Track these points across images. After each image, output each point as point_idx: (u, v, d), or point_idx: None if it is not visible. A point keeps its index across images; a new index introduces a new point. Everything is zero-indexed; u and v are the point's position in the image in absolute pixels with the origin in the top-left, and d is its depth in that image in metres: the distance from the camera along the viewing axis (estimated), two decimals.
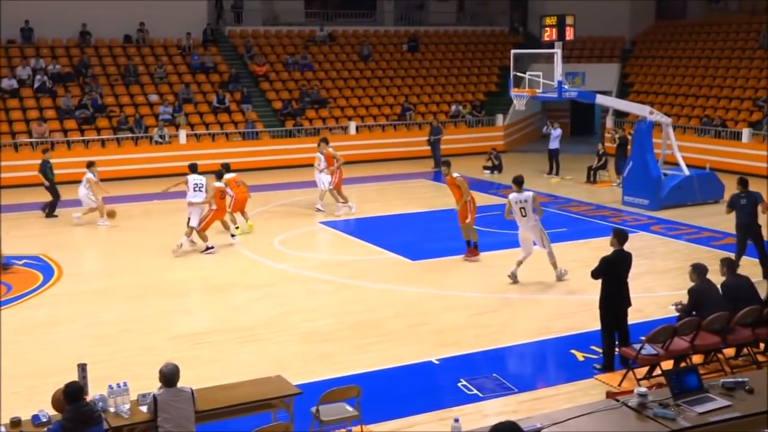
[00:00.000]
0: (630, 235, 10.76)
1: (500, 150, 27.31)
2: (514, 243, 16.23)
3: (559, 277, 13.80)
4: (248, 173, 22.52)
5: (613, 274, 10.00)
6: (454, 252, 15.86)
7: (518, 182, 13.76)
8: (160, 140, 25.57)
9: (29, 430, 7.13)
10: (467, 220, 15.02)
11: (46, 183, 19.50)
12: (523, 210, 13.50)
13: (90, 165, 18.76)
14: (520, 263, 13.75)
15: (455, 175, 15.26)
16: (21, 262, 15.28)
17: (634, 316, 10.43)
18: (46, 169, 19.56)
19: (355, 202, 19.78)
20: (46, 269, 14.93)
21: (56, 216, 19.54)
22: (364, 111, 29.70)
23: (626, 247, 10.18)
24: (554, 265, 13.84)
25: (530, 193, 13.67)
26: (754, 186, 21.84)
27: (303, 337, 11.42)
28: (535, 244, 13.90)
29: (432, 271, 14.66)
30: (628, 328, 10.11)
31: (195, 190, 16.38)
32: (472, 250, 15.20)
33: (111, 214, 18.83)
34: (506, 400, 9.31)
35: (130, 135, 25.53)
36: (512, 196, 13.68)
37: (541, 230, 13.73)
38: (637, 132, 20.17)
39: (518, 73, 20.03)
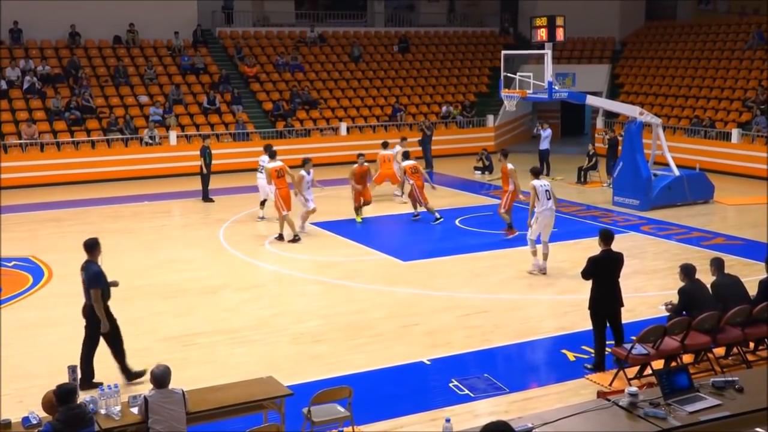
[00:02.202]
0: (620, 235, 10.82)
1: (491, 151, 27.33)
2: (503, 243, 16.33)
3: (541, 269, 14.26)
4: (239, 174, 22.54)
5: (601, 274, 10.01)
6: (446, 253, 15.89)
7: (536, 172, 14.65)
8: (150, 141, 25.50)
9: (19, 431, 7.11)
10: (501, 210, 16.72)
11: (204, 168, 20.67)
12: (548, 193, 14.28)
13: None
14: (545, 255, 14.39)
15: (509, 166, 16.62)
16: (11, 264, 15.23)
17: (624, 316, 10.43)
18: (205, 153, 20.68)
19: (346, 204, 19.78)
20: (35, 271, 14.87)
21: (212, 200, 20.88)
22: (354, 112, 29.71)
23: (617, 247, 10.20)
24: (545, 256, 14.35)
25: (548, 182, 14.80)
26: (743, 185, 22.02)
27: (294, 338, 11.41)
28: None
29: (423, 272, 14.66)
30: (623, 327, 10.14)
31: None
32: (507, 230, 16.75)
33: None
34: (497, 400, 9.32)
35: (120, 136, 25.46)
36: (535, 182, 14.30)
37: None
38: (627, 132, 20.23)
39: (509, 74, 20.05)
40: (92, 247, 9.84)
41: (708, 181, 20.79)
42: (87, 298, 9.65)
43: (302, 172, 17.01)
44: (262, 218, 18.78)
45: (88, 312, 9.64)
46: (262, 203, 18.82)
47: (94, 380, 9.53)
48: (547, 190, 14.26)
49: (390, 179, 21.09)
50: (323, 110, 29.25)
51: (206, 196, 21.04)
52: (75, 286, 13.87)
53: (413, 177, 18.52)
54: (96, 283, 9.49)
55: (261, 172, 18.56)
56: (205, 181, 20.96)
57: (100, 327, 9.55)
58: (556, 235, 16.89)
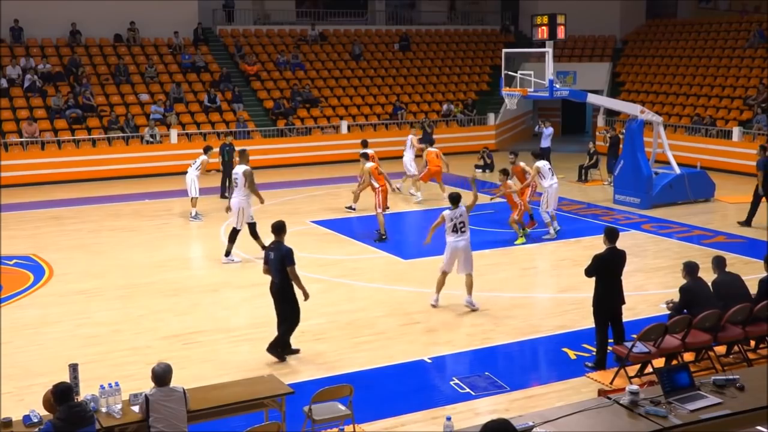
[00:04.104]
0: (621, 233, 10.78)
1: (492, 149, 27.33)
2: (504, 242, 16.33)
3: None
4: None
5: (606, 272, 9.99)
6: None
7: (535, 154, 17.44)
8: (151, 140, 25.50)
9: (20, 430, 7.10)
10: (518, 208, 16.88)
11: (222, 166, 20.87)
12: (551, 170, 16.77)
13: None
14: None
15: (520, 164, 17.60)
16: (12, 262, 15.23)
17: (625, 315, 10.44)
18: (223, 151, 21.03)
19: (346, 201, 19.81)
20: (36, 269, 14.87)
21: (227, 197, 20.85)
22: (355, 110, 29.70)
23: (619, 245, 10.19)
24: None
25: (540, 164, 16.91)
26: (744, 184, 21.96)
27: (295, 336, 11.35)
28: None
29: (424, 270, 14.63)
30: (623, 325, 10.14)
31: None
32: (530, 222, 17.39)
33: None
34: (498, 399, 9.33)
35: (121, 134, 25.46)
36: (539, 163, 16.82)
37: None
38: (628, 131, 20.22)
39: (510, 72, 20.05)
40: (280, 228, 10.48)
41: (709, 179, 20.78)
42: (277, 278, 10.22)
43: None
44: (196, 216, 18.79)
45: (279, 290, 10.26)
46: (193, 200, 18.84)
47: (293, 348, 10.52)
48: (550, 168, 16.78)
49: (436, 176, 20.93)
50: (324, 108, 29.24)
51: (223, 193, 21.09)
52: (76, 284, 13.99)
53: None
54: (291, 260, 10.12)
55: (197, 169, 18.66)
56: (223, 179, 21.05)
57: (288, 306, 10.27)
58: (557, 233, 16.95)
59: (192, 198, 18.70)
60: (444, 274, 12.32)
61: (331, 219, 18.19)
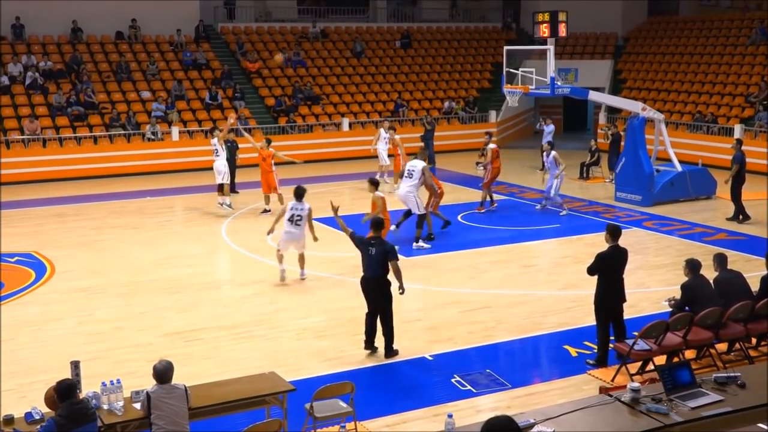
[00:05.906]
0: (623, 230, 10.78)
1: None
2: (505, 239, 16.34)
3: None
4: (241, 170, 22.51)
5: (608, 270, 9.98)
6: (447, 248, 15.88)
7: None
8: (152, 137, 25.51)
9: (22, 427, 7.11)
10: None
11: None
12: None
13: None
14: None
15: (493, 146, 19.26)
16: (13, 260, 15.25)
17: (627, 312, 10.44)
18: (226, 147, 20.52)
19: (349, 199, 19.82)
20: (38, 266, 14.89)
21: (237, 192, 21.08)
22: (357, 107, 29.70)
23: (620, 242, 10.18)
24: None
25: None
26: (746, 181, 21.96)
27: (296, 333, 11.42)
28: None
29: (425, 268, 14.65)
30: (625, 323, 10.13)
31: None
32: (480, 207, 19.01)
33: None
34: (500, 396, 9.34)
35: (123, 132, 25.47)
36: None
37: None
38: (630, 128, 20.21)
39: (511, 70, 20.04)
40: (380, 224, 11.04)
41: (710, 176, 20.77)
42: (379, 272, 10.45)
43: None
44: (228, 205, 18.78)
45: (378, 284, 10.46)
46: (221, 188, 18.92)
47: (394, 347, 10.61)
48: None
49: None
50: (325, 106, 29.23)
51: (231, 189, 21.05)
52: (78, 281, 14.00)
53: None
54: (395, 255, 10.48)
55: (217, 155, 18.80)
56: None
57: (388, 298, 10.49)
58: (558, 230, 16.98)
59: (224, 185, 18.78)
60: (280, 251, 13.79)
61: (333, 216, 18.17)
